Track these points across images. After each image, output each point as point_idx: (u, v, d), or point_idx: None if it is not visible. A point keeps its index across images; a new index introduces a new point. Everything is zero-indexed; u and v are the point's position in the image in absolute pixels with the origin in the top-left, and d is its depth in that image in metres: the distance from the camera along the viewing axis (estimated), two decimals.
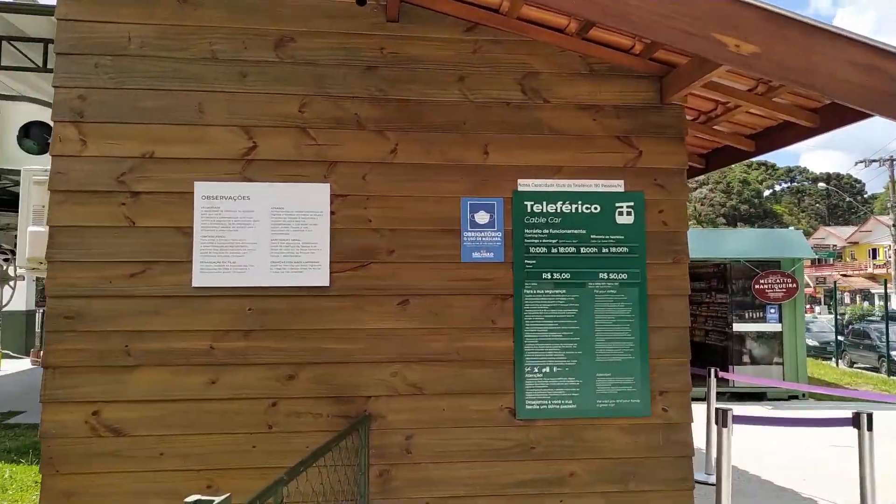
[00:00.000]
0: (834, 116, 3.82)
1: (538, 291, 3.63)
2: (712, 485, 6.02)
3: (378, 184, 3.56)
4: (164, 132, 3.47)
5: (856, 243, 55.52)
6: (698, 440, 5.67)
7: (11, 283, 8.18)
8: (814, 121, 3.92)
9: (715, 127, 4.65)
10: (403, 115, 3.62)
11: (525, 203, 3.66)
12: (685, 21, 3.02)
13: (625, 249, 3.70)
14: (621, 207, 3.72)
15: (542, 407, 3.57)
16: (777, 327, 11.69)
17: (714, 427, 5.79)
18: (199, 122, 3.49)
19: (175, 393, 3.36)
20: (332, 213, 3.51)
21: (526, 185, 3.67)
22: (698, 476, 6.17)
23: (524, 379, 3.57)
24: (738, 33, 3.03)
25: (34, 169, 6.65)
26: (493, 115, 3.68)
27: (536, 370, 3.59)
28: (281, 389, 3.42)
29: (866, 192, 79.40)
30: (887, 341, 16.88)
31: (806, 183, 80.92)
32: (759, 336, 11.68)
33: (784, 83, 3.06)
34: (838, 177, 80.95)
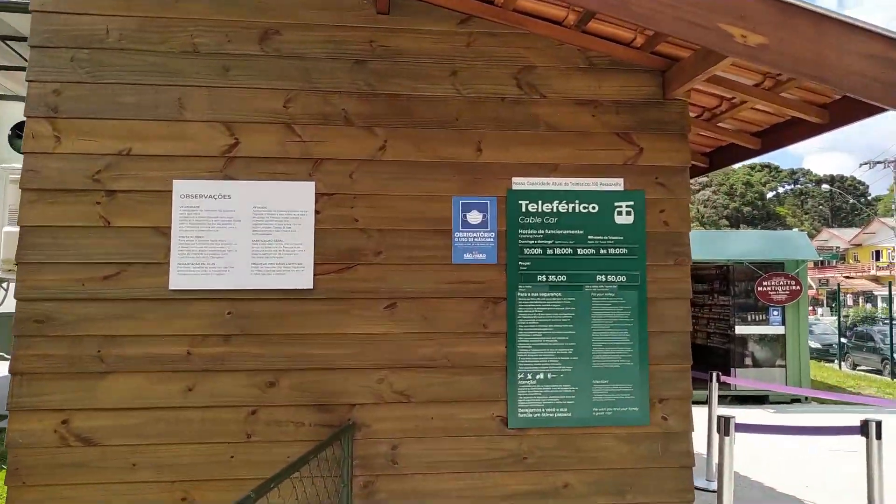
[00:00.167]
0: (844, 112, 3.66)
1: (532, 294, 3.47)
2: (713, 491, 5.88)
3: (365, 182, 3.40)
4: (143, 128, 3.32)
5: (859, 245, 55.27)
6: (699, 445, 5.51)
7: (4, 284, 8.01)
8: (823, 117, 3.76)
9: (719, 124, 4.49)
10: (393, 111, 3.46)
11: (520, 202, 3.50)
12: (689, 10, 2.86)
13: (624, 251, 3.54)
14: (620, 207, 3.56)
15: (535, 415, 3.41)
16: (780, 330, 11.52)
17: (716, 435, 5.65)
18: (179, 117, 3.34)
19: (150, 400, 3.21)
20: (316, 212, 3.36)
21: (521, 183, 3.51)
22: (699, 482, 6.02)
23: (517, 386, 3.41)
24: (744, 23, 2.87)
25: (11, 167, 6.47)
26: (487, 110, 3.52)
27: (530, 377, 3.43)
28: (261, 397, 3.27)
29: (870, 195, 79.12)
30: (891, 344, 16.69)
31: (809, 185, 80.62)
32: (762, 338, 11.51)
33: (794, 76, 2.90)
34: (842, 179, 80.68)
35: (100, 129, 3.30)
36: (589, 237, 3.53)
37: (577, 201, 3.54)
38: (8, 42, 6.95)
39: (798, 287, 11.33)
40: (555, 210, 3.52)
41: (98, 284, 3.23)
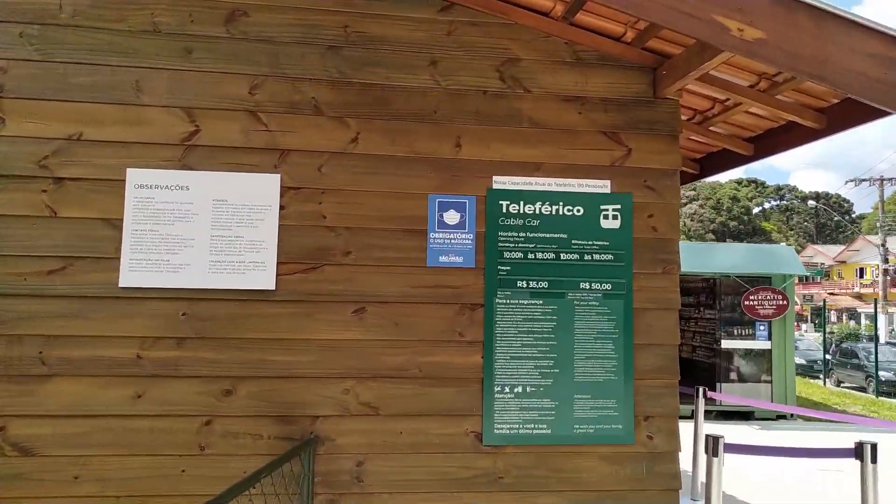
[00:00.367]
0: (842, 116, 3.48)
1: (512, 301, 3.25)
2: None
3: (335, 176, 3.18)
4: (96, 112, 3.08)
5: (843, 262, 55.66)
6: (684, 462, 5.31)
7: None
8: (820, 122, 3.58)
9: (711, 128, 4.31)
10: (367, 101, 3.24)
11: (500, 202, 3.28)
12: (683, 0, 2.67)
13: (609, 257, 3.33)
14: (607, 210, 3.35)
15: (512, 431, 3.18)
16: (766, 345, 11.39)
17: (702, 453, 5.44)
18: (135, 101, 3.10)
19: (95, 407, 2.96)
20: (281, 207, 3.12)
21: (502, 182, 3.30)
22: (683, 501, 5.80)
23: (493, 399, 3.18)
24: (742, 16, 2.69)
25: None
26: (468, 104, 3.31)
27: (507, 390, 3.20)
28: (216, 406, 3.02)
29: (854, 212, 79.91)
30: (876, 361, 16.63)
31: (795, 201, 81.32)
32: (748, 353, 11.37)
33: (793, 73, 2.71)
34: (827, 196, 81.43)
35: (49, 111, 3.06)
36: (573, 241, 3.33)
37: (560, 203, 3.33)
38: None
39: (785, 302, 11.21)
40: (537, 212, 3.31)
41: (42, 279, 2.97)
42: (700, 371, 11.69)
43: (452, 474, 3.13)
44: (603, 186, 3.37)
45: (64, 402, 2.94)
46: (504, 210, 3.29)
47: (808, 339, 26.13)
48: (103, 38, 3.12)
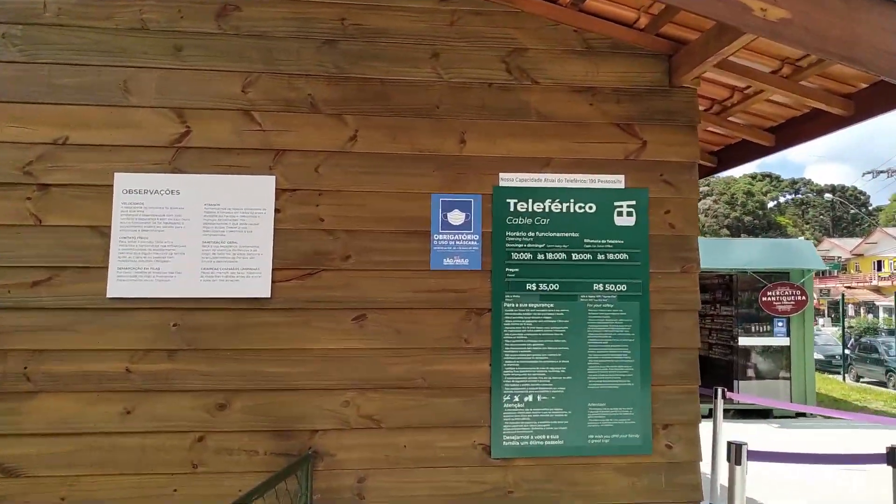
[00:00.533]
0: (872, 102, 3.27)
1: (521, 305, 3.07)
2: None
3: (333, 177, 3.01)
4: (82, 114, 2.94)
5: (860, 255, 54.86)
6: (702, 464, 5.12)
7: None
8: (847, 108, 3.37)
9: (729, 118, 4.10)
10: (366, 97, 3.07)
11: (507, 201, 3.11)
12: None
13: (624, 256, 3.14)
14: (621, 207, 3.17)
15: (522, 443, 3.00)
16: (785, 341, 11.13)
17: (722, 456, 5.24)
18: (123, 103, 2.96)
19: (82, 425, 2.82)
20: (276, 210, 2.96)
21: (509, 179, 3.12)
22: None
23: (502, 410, 3.01)
24: None
25: None
26: (472, 97, 3.13)
27: (517, 399, 3.03)
28: (210, 421, 2.87)
29: (871, 204, 78.81)
30: None
31: (810, 195, 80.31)
32: (766, 350, 11.12)
33: (820, 56, 2.51)
34: (843, 188, 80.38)
35: (33, 114, 2.92)
36: (585, 241, 3.14)
37: (571, 200, 3.15)
38: None
39: (804, 297, 10.93)
40: (547, 210, 3.13)
41: (26, 291, 2.84)
42: (717, 369, 11.45)
43: (460, 489, 2.96)
44: (616, 182, 3.18)
45: (50, 419, 2.81)
46: (512, 209, 3.11)
47: (826, 334, 25.68)
48: (89, 38, 2.98)
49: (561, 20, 3.19)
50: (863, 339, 20.43)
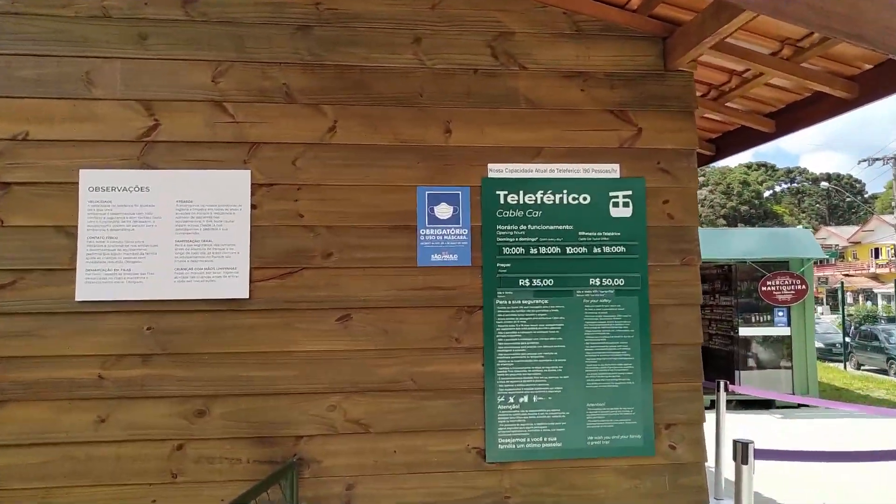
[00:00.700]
0: (877, 84, 3.12)
1: (514, 302, 2.93)
2: None
3: (312, 170, 2.86)
4: (43, 108, 2.78)
5: (858, 243, 54.84)
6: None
7: None
8: (851, 91, 3.22)
9: (728, 104, 3.95)
10: (344, 86, 2.92)
11: (497, 193, 2.96)
12: None
13: (621, 249, 3.00)
14: (616, 197, 3.02)
15: (518, 446, 2.86)
16: (785, 331, 11.04)
17: (727, 453, 5.11)
18: (86, 95, 2.80)
19: (55, 434, 2.68)
20: (253, 206, 2.81)
21: (498, 170, 2.97)
22: None
23: (496, 411, 2.87)
24: None
25: None
26: (457, 84, 2.98)
27: (512, 400, 2.88)
28: (189, 429, 2.72)
29: (866, 192, 78.76)
30: None
31: (806, 183, 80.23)
32: (766, 340, 11.03)
33: (825, 33, 2.36)
34: (838, 177, 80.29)
35: None
36: (580, 233, 2.99)
37: (564, 191, 3.00)
38: None
39: (804, 286, 10.82)
40: (539, 202, 2.98)
41: None
42: (717, 359, 11.37)
43: (453, 495, 2.82)
44: (611, 171, 3.03)
45: (20, 429, 2.66)
46: (502, 201, 2.96)
47: (825, 322, 25.63)
48: (48, 26, 2.81)
49: (549, 2, 3.03)
50: (863, 327, 20.35)
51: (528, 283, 2.94)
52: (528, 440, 2.88)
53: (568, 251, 2.98)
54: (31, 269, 2.71)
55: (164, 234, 2.75)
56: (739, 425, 8.50)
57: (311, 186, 2.85)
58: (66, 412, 2.69)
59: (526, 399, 2.90)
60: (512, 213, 2.96)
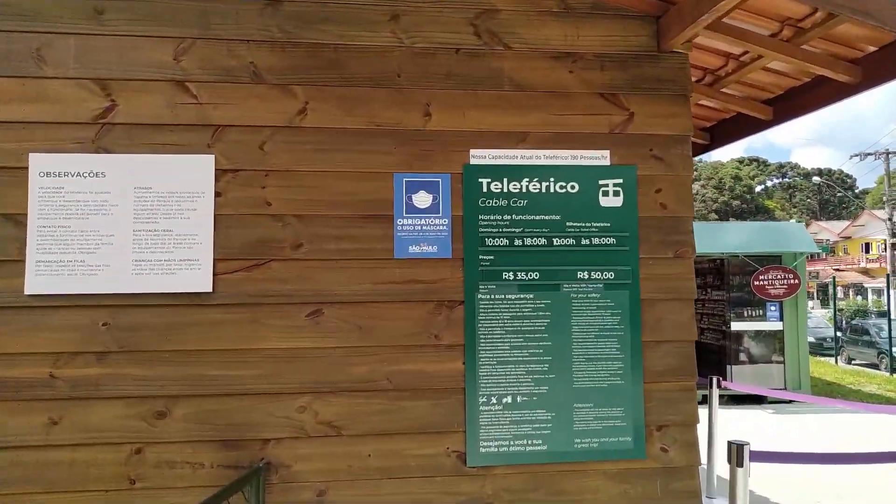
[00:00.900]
0: (880, 67, 2.96)
1: (497, 296, 2.76)
2: None
3: (281, 155, 2.68)
4: None
5: (848, 238, 55.03)
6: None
7: None
8: (854, 75, 3.06)
9: (723, 90, 3.79)
10: (316, 65, 2.73)
11: (479, 180, 2.78)
12: None
13: (611, 240, 2.83)
14: (606, 186, 2.85)
15: (502, 449, 2.70)
16: (778, 325, 10.99)
17: (720, 451, 4.98)
18: (37, 73, 2.60)
19: (2, 438, 2.51)
20: (217, 194, 2.63)
21: (481, 156, 2.79)
22: None
23: (478, 412, 2.70)
24: None
25: None
26: (438, 64, 2.80)
27: (494, 400, 2.72)
28: (148, 431, 2.55)
29: (857, 187, 79.09)
30: (890, 338, 16.14)
31: (798, 178, 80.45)
32: (758, 334, 10.96)
33: (829, 9, 2.20)
34: (829, 172, 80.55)
35: None
36: (567, 224, 2.82)
37: (551, 179, 2.82)
38: None
39: (797, 281, 10.73)
40: (524, 190, 2.81)
41: None
42: (709, 354, 11.30)
43: (432, 502, 2.65)
44: (601, 158, 2.86)
45: None
46: (484, 189, 2.78)
47: (816, 317, 25.66)
48: None
49: None
50: (854, 322, 20.35)
51: (512, 277, 2.77)
52: (512, 443, 2.71)
53: (555, 243, 2.81)
54: None
55: (121, 222, 2.56)
56: (732, 421, 8.40)
57: (280, 172, 2.66)
58: (15, 414, 2.50)
59: (509, 399, 2.73)
60: (495, 202, 2.78)
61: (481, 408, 2.71)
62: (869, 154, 38.05)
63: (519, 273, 2.78)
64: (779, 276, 10.82)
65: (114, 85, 2.62)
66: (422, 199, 2.73)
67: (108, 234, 2.55)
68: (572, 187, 2.84)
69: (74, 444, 2.52)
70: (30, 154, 2.55)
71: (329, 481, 2.61)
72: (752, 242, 11.22)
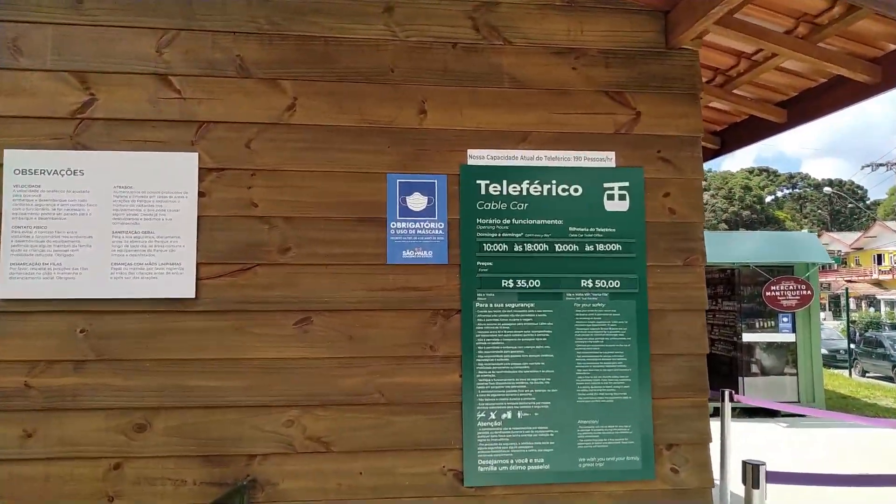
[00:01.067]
0: None
1: (496, 305, 2.61)
2: None
3: (268, 153, 2.55)
4: None
5: (860, 249, 54.48)
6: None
7: None
8: (873, 74, 2.91)
9: (735, 91, 3.63)
10: (306, 59, 2.61)
11: (477, 182, 2.64)
12: None
13: (617, 247, 2.68)
14: (612, 189, 2.70)
15: (501, 468, 2.54)
16: (790, 337, 10.78)
17: (733, 466, 4.79)
18: (13, 65, 2.50)
19: None
20: (200, 194, 2.50)
21: (479, 156, 2.65)
22: None
23: (476, 429, 2.54)
24: None
25: None
26: (434, 60, 2.67)
27: (493, 416, 2.56)
28: (128, 445, 2.41)
29: (869, 198, 78.46)
30: None
31: (808, 189, 79.93)
32: (770, 346, 10.75)
33: (850, 0, 2.04)
34: (840, 183, 79.99)
35: None
36: (570, 229, 2.68)
37: (553, 181, 2.68)
38: None
39: (809, 292, 10.50)
40: (524, 193, 2.66)
41: None
42: (720, 366, 11.11)
43: None
44: (606, 159, 2.72)
45: None
46: (483, 192, 2.64)
47: (829, 328, 25.31)
48: None
49: None
50: (867, 334, 20.04)
51: (511, 285, 2.62)
52: (512, 462, 2.55)
53: (557, 249, 2.66)
54: None
55: (100, 223, 2.44)
56: (744, 435, 8.19)
57: (267, 172, 2.53)
58: None
59: (509, 415, 2.57)
60: (494, 206, 2.64)
61: (479, 424, 2.56)
62: (881, 164, 37.71)
63: (519, 281, 2.63)
64: (791, 287, 10.60)
65: (93, 78, 2.50)
66: (416, 202, 2.59)
67: (86, 235, 2.43)
68: (575, 190, 2.69)
69: (49, 457, 2.39)
70: (4, 150, 2.43)
71: (318, 500, 2.46)
72: (763, 252, 11.03)
